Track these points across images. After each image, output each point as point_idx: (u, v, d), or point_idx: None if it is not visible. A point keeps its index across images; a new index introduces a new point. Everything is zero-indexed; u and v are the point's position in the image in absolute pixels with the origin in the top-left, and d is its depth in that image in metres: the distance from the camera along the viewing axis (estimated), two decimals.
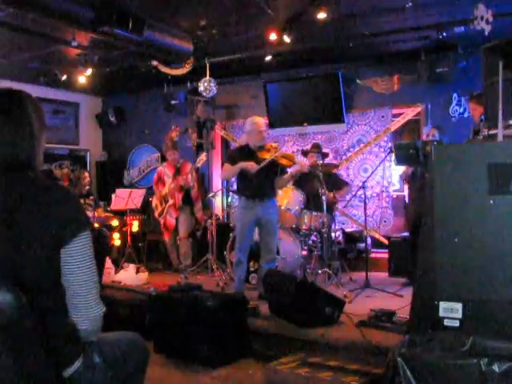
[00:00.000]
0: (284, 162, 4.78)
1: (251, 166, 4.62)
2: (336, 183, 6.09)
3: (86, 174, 7.22)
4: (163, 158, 7.78)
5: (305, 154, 6.25)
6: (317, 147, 6.22)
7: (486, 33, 4.18)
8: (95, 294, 1.59)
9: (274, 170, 4.78)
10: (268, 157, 4.69)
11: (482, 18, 4.17)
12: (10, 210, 1.48)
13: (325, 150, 6.43)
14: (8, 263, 1.46)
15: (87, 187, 7.20)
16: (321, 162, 5.82)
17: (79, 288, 1.56)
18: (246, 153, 4.80)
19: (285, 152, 5.00)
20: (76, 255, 1.54)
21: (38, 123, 1.62)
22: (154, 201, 6.77)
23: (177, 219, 6.54)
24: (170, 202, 6.52)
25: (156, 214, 6.73)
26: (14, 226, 1.47)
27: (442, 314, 2.33)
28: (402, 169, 5.89)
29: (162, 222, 6.64)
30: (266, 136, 4.95)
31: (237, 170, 4.71)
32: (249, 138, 4.85)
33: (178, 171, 6.56)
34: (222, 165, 5.17)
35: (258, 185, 4.67)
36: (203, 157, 6.27)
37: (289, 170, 5.00)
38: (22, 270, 1.47)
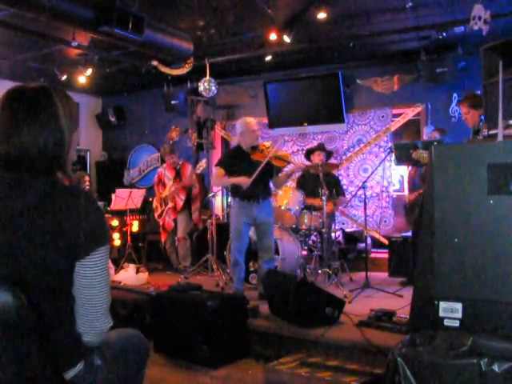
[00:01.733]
0: (278, 163, 4.77)
1: (243, 181, 4.62)
2: (336, 187, 6.09)
3: (87, 178, 7.19)
4: (163, 159, 7.78)
5: (310, 152, 6.25)
6: (322, 146, 6.24)
7: (484, 33, 4.18)
8: (105, 308, 1.55)
9: (268, 171, 4.77)
10: (261, 158, 4.67)
11: (479, 18, 4.17)
12: (28, 212, 1.43)
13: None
14: (14, 265, 1.43)
15: (87, 188, 7.18)
16: (324, 161, 5.86)
17: (89, 301, 1.52)
18: (239, 155, 4.79)
19: (279, 151, 4.97)
20: (91, 269, 1.49)
21: (67, 122, 1.55)
22: (155, 202, 6.77)
23: (175, 220, 6.54)
24: (170, 204, 6.51)
25: (156, 216, 6.73)
26: (28, 228, 1.42)
27: (441, 314, 2.33)
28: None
29: (160, 223, 6.65)
30: (259, 136, 4.95)
31: (228, 183, 4.84)
32: (241, 139, 4.84)
33: (178, 173, 6.56)
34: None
35: (253, 186, 4.68)
36: (203, 163, 6.28)
37: (284, 170, 5.01)
38: (29, 273, 1.44)
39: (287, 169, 4.98)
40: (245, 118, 4.99)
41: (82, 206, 1.48)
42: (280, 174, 4.93)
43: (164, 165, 6.82)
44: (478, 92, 4.50)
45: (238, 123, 4.94)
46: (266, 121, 7.87)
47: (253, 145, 4.79)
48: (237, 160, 4.77)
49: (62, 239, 1.44)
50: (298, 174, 6.52)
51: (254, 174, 4.59)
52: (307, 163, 6.51)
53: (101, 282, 1.52)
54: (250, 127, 4.78)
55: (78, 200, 1.49)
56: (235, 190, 4.82)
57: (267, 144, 4.91)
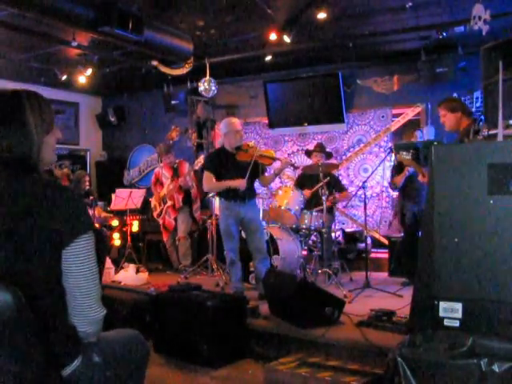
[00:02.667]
0: (264, 161, 4.76)
1: (240, 184, 4.58)
2: (336, 185, 6.09)
3: (87, 178, 7.20)
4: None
5: (308, 153, 6.25)
6: (320, 147, 6.23)
7: (484, 33, 4.18)
8: (95, 296, 1.59)
9: (254, 171, 4.74)
10: (247, 158, 4.66)
11: (479, 17, 4.17)
12: (10, 209, 1.48)
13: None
14: (7, 262, 1.47)
15: (87, 188, 7.19)
16: (323, 161, 5.85)
17: (79, 290, 1.55)
18: (225, 156, 4.78)
19: (263, 150, 4.97)
20: (77, 257, 1.54)
21: (38, 125, 1.62)
22: (153, 201, 6.77)
23: (175, 219, 6.54)
24: (169, 203, 6.51)
25: (155, 215, 6.72)
26: (14, 225, 1.47)
27: (441, 314, 2.33)
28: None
29: (161, 222, 6.64)
30: (243, 136, 4.96)
31: (223, 187, 4.68)
32: (226, 140, 4.82)
33: (175, 172, 6.56)
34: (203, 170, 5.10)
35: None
36: (201, 159, 6.28)
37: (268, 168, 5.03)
38: (21, 269, 1.47)
39: (275, 166, 4.97)
40: (228, 118, 5.02)
41: (61, 197, 1.54)
42: (267, 174, 4.94)
43: (161, 164, 6.82)
44: (478, 92, 4.51)
45: (221, 124, 4.94)
46: (266, 121, 7.87)
47: (237, 145, 4.78)
48: (222, 162, 4.76)
49: (44, 230, 1.49)
50: (298, 174, 6.53)
51: (245, 174, 4.58)
52: (308, 162, 6.52)
53: (88, 269, 1.56)
54: (235, 127, 4.77)
55: (56, 192, 1.55)
56: (221, 191, 4.81)
57: (251, 143, 4.90)
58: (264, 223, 5.35)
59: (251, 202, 4.85)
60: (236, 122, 4.84)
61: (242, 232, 5.11)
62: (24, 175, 1.57)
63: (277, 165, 4.94)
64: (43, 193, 1.53)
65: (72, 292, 1.56)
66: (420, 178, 4.37)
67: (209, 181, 4.78)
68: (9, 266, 1.47)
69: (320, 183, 5.54)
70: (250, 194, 4.81)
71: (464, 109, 4.37)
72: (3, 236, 1.47)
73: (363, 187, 5.47)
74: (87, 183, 7.12)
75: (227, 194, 4.72)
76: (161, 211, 6.60)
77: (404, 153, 4.24)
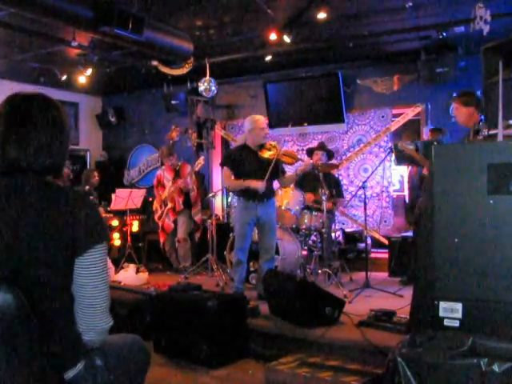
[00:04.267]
0: (287, 160, 4.74)
1: (259, 186, 4.53)
2: (336, 187, 6.09)
3: (95, 173, 7.22)
4: (162, 162, 7.77)
5: (310, 152, 6.25)
6: (322, 146, 6.24)
7: (485, 33, 4.18)
8: (104, 306, 1.57)
9: (275, 171, 4.71)
10: (270, 156, 4.63)
11: (480, 18, 4.17)
12: (26, 213, 1.45)
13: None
14: (13, 263, 1.45)
15: (87, 187, 7.20)
16: (325, 161, 5.87)
17: (88, 299, 1.54)
18: (247, 154, 4.73)
19: (286, 150, 4.98)
20: (90, 266, 1.52)
21: (69, 130, 1.62)
22: (155, 204, 6.75)
23: (175, 222, 6.52)
24: (169, 205, 6.49)
25: (156, 217, 6.71)
26: (27, 228, 1.45)
27: (441, 313, 2.33)
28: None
29: (160, 224, 6.62)
30: (267, 134, 4.92)
31: (241, 186, 4.62)
32: (249, 137, 4.77)
33: (177, 174, 6.54)
34: (222, 166, 5.05)
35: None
36: (201, 160, 6.27)
37: (289, 169, 5.01)
38: (29, 273, 1.45)
39: (298, 167, 4.96)
40: (253, 115, 4.95)
41: (78, 204, 1.52)
42: (287, 174, 4.94)
43: (163, 167, 6.80)
44: (478, 92, 4.50)
45: (246, 121, 4.88)
46: (266, 121, 7.86)
47: (261, 143, 4.75)
48: (244, 159, 4.71)
49: (60, 237, 1.46)
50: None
51: (265, 173, 4.54)
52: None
53: (100, 279, 1.54)
54: (260, 124, 4.74)
55: (73, 198, 1.52)
56: (241, 189, 4.77)
57: (273, 143, 4.87)
58: None
59: (269, 202, 4.79)
60: (261, 119, 4.82)
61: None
62: (44, 180, 1.54)
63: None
64: (62, 199, 1.51)
65: (81, 300, 1.54)
66: (424, 170, 4.36)
67: (227, 177, 4.77)
68: (12, 267, 1.45)
69: (320, 183, 5.54)
70: (269, 193, 4.78)
71: (478, 104, 4.29)
72: (18, 239, 1.45)
73: (363, 187, 5.47)
74: (96, 178, 7.15)
75: (246, 193, 4.67)
76: (161, 214, 6.59)
77: (408, 142, 4.25)
